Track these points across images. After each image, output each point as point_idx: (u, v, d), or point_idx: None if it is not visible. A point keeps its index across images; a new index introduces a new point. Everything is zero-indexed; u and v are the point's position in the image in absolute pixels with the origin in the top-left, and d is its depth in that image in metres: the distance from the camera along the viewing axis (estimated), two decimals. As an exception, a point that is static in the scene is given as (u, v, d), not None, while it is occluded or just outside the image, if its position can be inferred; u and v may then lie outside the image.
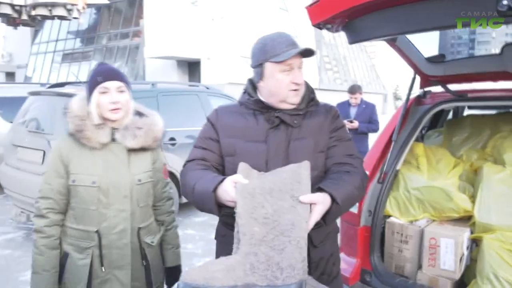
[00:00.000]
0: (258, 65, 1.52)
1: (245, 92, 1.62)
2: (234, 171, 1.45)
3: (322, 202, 1.30)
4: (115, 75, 1.72)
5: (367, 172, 2.30)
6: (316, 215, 1.28)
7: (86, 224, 1.74)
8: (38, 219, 1.74)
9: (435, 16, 1.62)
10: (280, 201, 1.25)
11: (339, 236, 1.78)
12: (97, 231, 1.73)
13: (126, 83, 1.75)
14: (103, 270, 1.74)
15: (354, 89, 5.56)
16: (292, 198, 1.25)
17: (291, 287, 1.12)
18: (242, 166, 1.40)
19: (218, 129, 1.59)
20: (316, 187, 1.36)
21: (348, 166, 1.53)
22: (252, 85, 1.60)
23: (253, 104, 1.56)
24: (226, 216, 1.46)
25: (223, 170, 1.58)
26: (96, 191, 1.71)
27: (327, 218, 1.34)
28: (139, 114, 1.85)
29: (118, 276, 1.76)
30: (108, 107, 1.70)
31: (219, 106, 1.69)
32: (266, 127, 1.53)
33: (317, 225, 1.33)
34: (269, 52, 1.48)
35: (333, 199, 1.33)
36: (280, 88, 1.50)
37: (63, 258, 1.75)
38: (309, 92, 1.60)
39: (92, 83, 1.71)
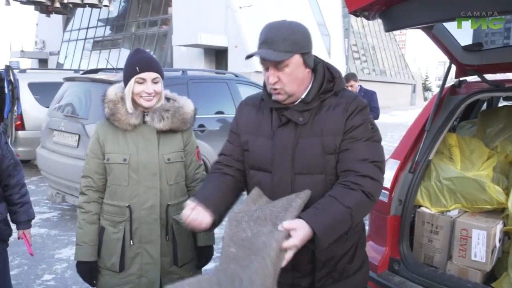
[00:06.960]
0: None
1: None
2: (249, 166, 1.56)
3: (299, 227, 1.26)
4: (152, 66, 1.79)
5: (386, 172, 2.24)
6: (294, 240, 1.24)
7: (119, 200, 1.86)
8: (80, 196, 1.92)
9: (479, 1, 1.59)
10: (260, 227, 1.33)
11: (366, 228, 1.76)
12: (128, 206, 1.84)
13: (160, 73, 1.83)
14: (132, 243, 1.85)
15: (347, 78, 5.35)
16: (273, 225, 1.32)
17: None
18: (254, 191, 1.48)
19: (239, 124, 1.62)
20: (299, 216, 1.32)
21: (352, 175, 1.38)
22: None
23: (267, 100, 1.52)
24: None
25: None
26: (126, 168, 1.83)
27: (315, 244, 1.29)
28: (168, 99, 1.93)
29: (148, 250, 1.87)
30: (142, 96, 1.79)
31: (245, 98, 1.70)
32: (276, 124, 1.49)
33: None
34: None
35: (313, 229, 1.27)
36: (266, 82, 1.47)
37: (100, 232, 1.89)
38: (325, 83, 1.47)
39: (130, 72, 1.79)
